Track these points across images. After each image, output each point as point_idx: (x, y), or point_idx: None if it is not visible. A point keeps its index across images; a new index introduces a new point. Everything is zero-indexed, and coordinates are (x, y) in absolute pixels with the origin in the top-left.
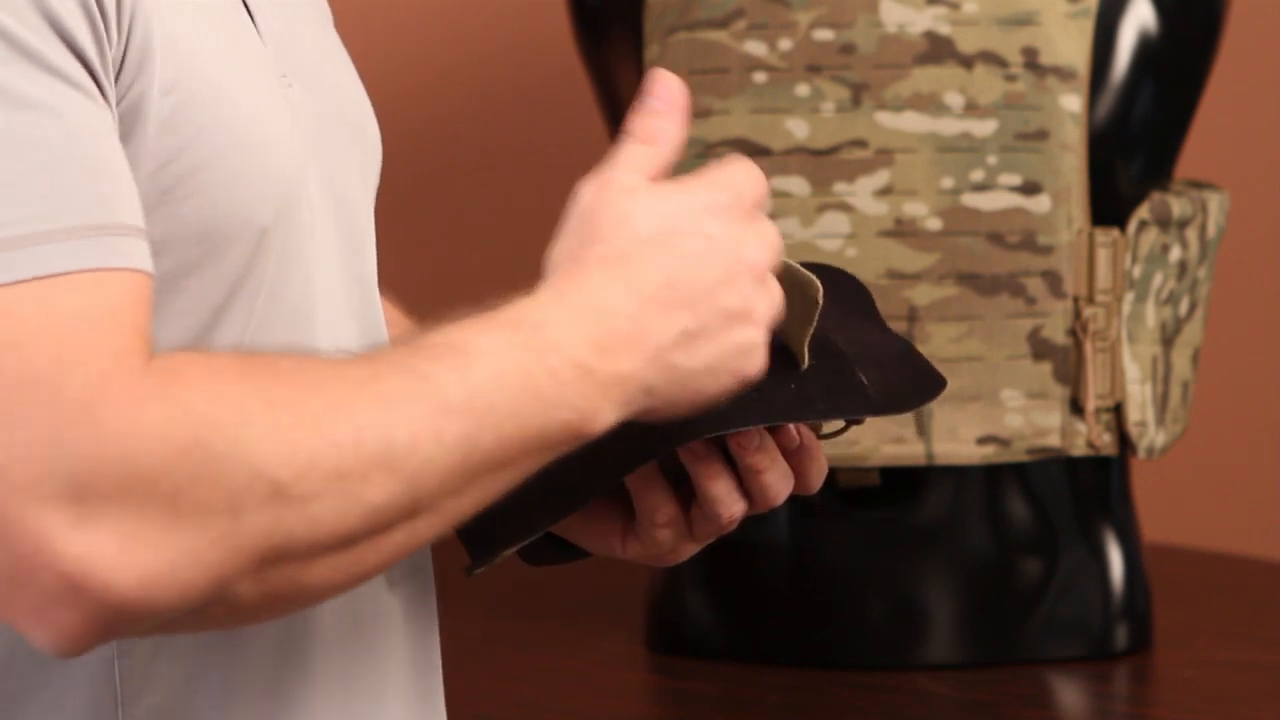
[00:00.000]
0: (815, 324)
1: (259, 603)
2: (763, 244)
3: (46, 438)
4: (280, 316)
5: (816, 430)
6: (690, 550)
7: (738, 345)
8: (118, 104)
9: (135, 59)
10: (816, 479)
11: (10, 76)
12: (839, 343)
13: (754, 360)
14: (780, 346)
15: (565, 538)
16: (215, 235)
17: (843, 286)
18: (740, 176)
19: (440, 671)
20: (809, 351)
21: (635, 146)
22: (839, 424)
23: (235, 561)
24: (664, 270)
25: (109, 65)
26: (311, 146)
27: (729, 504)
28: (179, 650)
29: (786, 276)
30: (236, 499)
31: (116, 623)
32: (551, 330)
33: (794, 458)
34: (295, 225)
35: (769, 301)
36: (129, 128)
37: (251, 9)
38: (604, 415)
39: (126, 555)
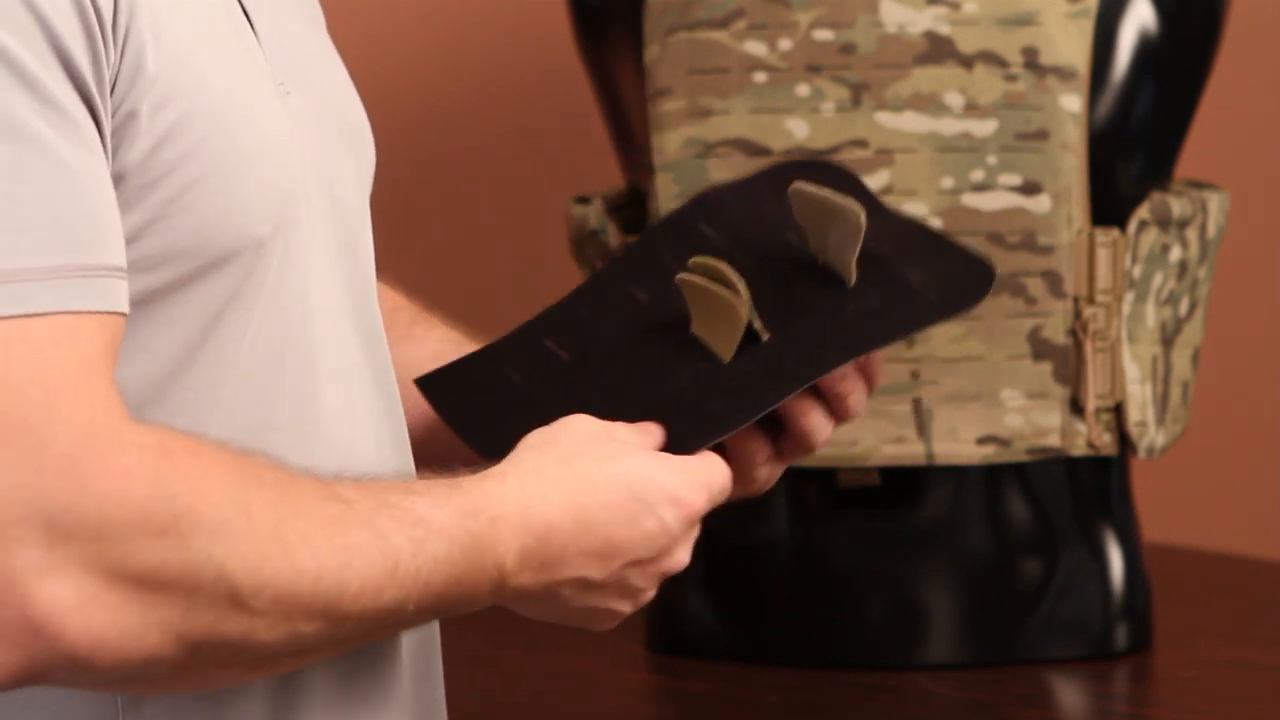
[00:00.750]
0: (860, 244)
1: (167, 684)
2: (688, 552)
3: (31, 484)
4: (279, 322)
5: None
6: (779, 471)
7: (612, 611)
8: (112, 116)
9: (129, 72)
10: (878, 379)
11: (10, 104)
12: (881, 249)
13: (607, 625)
14: (805, 257)
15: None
16: (214, 247)
17: (831, 176)
18: (718, 480)
19: (442, 683)
20: (856, 269)
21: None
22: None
23: (173, 646)
24: (613, 529)
25: (105, 84)
26: (310, 153)
27: (823, 430)
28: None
29: (818, 208)
30: (194, 592)
31: (50, 671)
32: (499, 530)
33: (850, 387)
34: (294, 234)
35: (651, 595)
36: (124, 140)
37: (250, 14)
38: (484, 605)
39: (84, 615)
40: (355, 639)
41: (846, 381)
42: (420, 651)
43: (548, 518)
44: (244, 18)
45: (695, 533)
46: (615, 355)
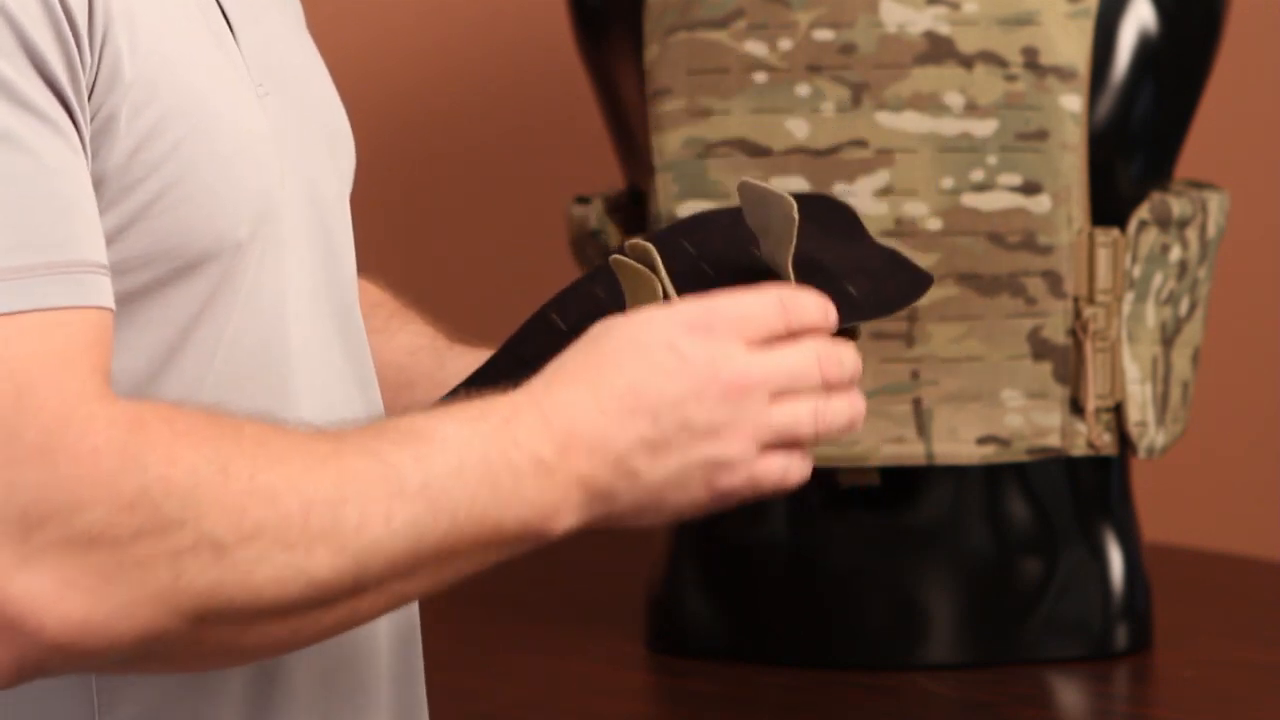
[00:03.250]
0: (795, 241)
1: (192, 657)
2: (746, 366)
3: (4, 479)
4: (258, 323)
5: None
6: None
7: (707, 459)
8: (91, 120)
9: (107, 76)
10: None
11: None
12: (825, 259)
13: (732, 475)
14: (766, 269)
15: None
16: (192, 249)
17: (828, 211)
18: (750, 304)
19: (423, 682)
20: (794, 272)
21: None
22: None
23: (169, 619)
24: (626, 377)
25: (82, 88)
26: (289, 156)
27: None
28: None
29: (760, 199)
30: (179, 559)
31: (44, 664)
32: (516, 426)
33: None
34: (272, 237)
35: (753, 422)
36: (103, 143)
37: (229, 16)
38: (564, 517)
39: (63, 601)
40: (393, 576)
41: None
42: (401, 652)
43: (562, 399)
44: (222, 20)
45: (744, 351)
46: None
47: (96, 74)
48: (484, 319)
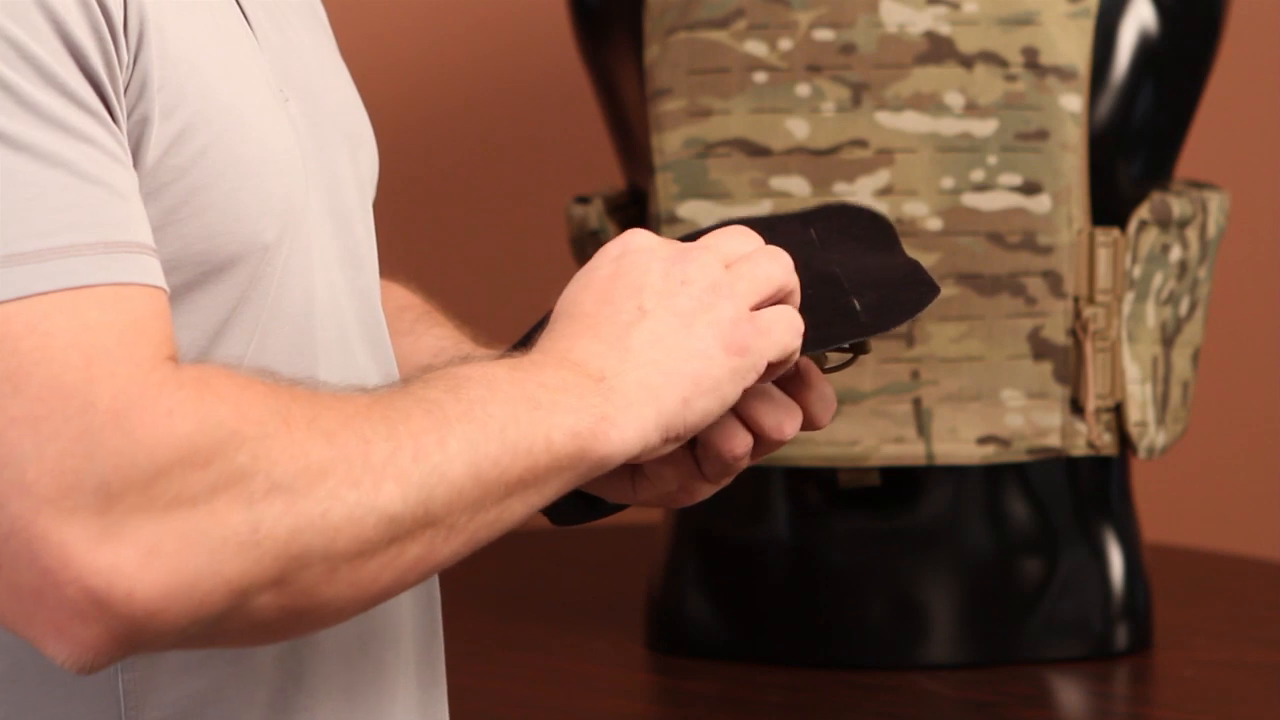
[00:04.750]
0: (815, 251)
1: (277, 617)
2: (710, 269)
3: (79, 449)
4: (283, 331)
5: (820, 363)
6: (706, 490)
7: (708, 322)
8: (128, 118)
9: (140, 79)
10: (822, 413)
11: (34, 95)
12: (840, 272)
13: (735, 327)
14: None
15: (586, 491)
16: (219, 253)
17: (859, 221)
18: (724, 237)
19: (444, 683)
20: (808, 282)
21: None
22: (845, 356)
23: (254, 573)
24: (606, 274)
25: (120, 88)
26: (311, 162)
27: (729, 441)
28: (182, 664)
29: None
30: (254, 509)
31: (137, 637)
32: (530, 360)
33: (794, 391)
34: (298, 242)
35: (730, 289)
36: (136, 146)
37: (250, 20)
38: (616, 425)
39: (149, 569)
40: (461, 509)
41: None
42: (425, 655)
43: (556, 344)
44: (245, 25)
45: (720, 264)
46: None
47: (130, 76)
48: (484, 319)
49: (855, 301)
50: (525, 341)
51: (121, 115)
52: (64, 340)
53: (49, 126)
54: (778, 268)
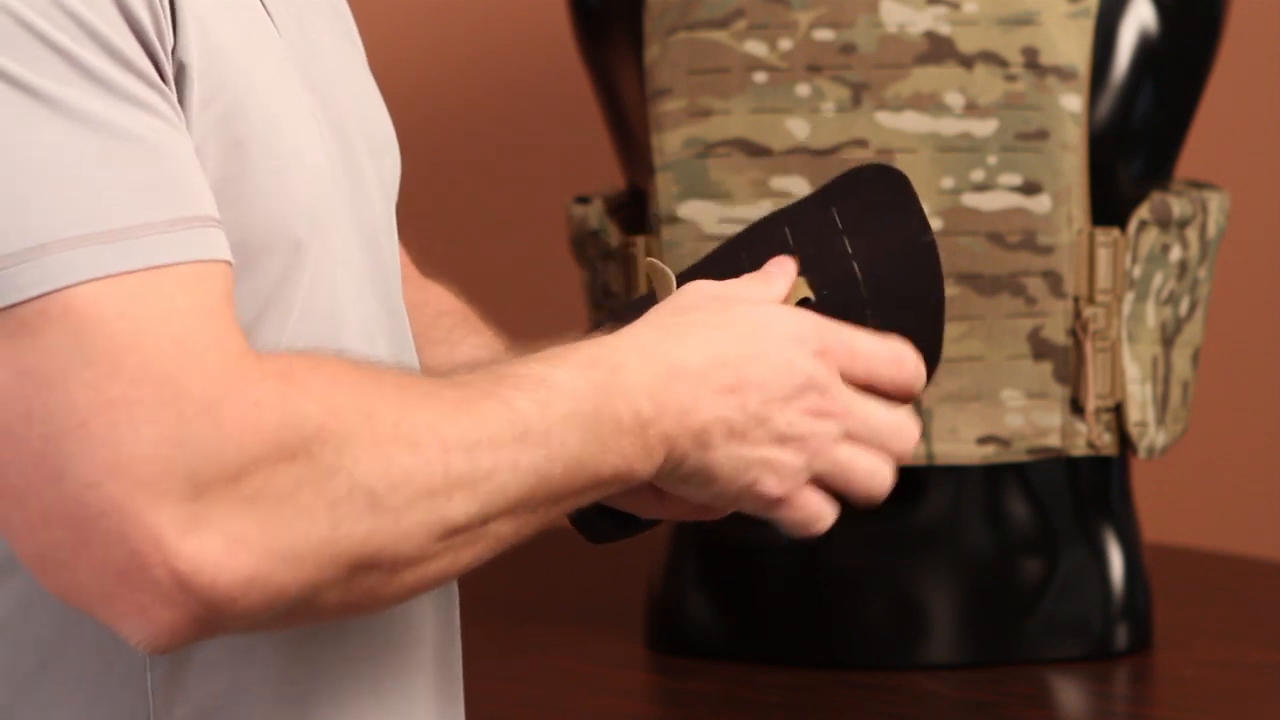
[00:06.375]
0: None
1: (338, 609)
2: (840, 397)
3: (173, 436)
4: (310, 333)
5: None
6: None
7: (765, 460)
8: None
9: (179, 65)
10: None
11: (105, 70)
12: (858, 270)
13: (779, 484)
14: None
15: (617, 507)
16: (251, 246)
17: (876, 187)
18: (873, 346)
19: (461, 685)
20: (825, 289)
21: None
22: None
23: (330, 569)
24: (738, 354)
25: (170, 69)
26: (337, 164)
27: None
28: (209, 662)
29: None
30: (336, 509)
31: (214, 622)
32: (625, 376)
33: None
34: (326, 242)
35: (820, 447)
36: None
37: (276, 23)
38: (645, 468)
39: (232, 557)
40: (506, 520)
41: None
42: (444, 655)
43: (671, 357)
44: (272, 27)
45: (843, 384)
46: None
47: (176, 59)
48: (485, 319)
49: (868, 311)
50: (639, 306)
51: (172, 92)
52: (153, 324)
53: (120, 101)
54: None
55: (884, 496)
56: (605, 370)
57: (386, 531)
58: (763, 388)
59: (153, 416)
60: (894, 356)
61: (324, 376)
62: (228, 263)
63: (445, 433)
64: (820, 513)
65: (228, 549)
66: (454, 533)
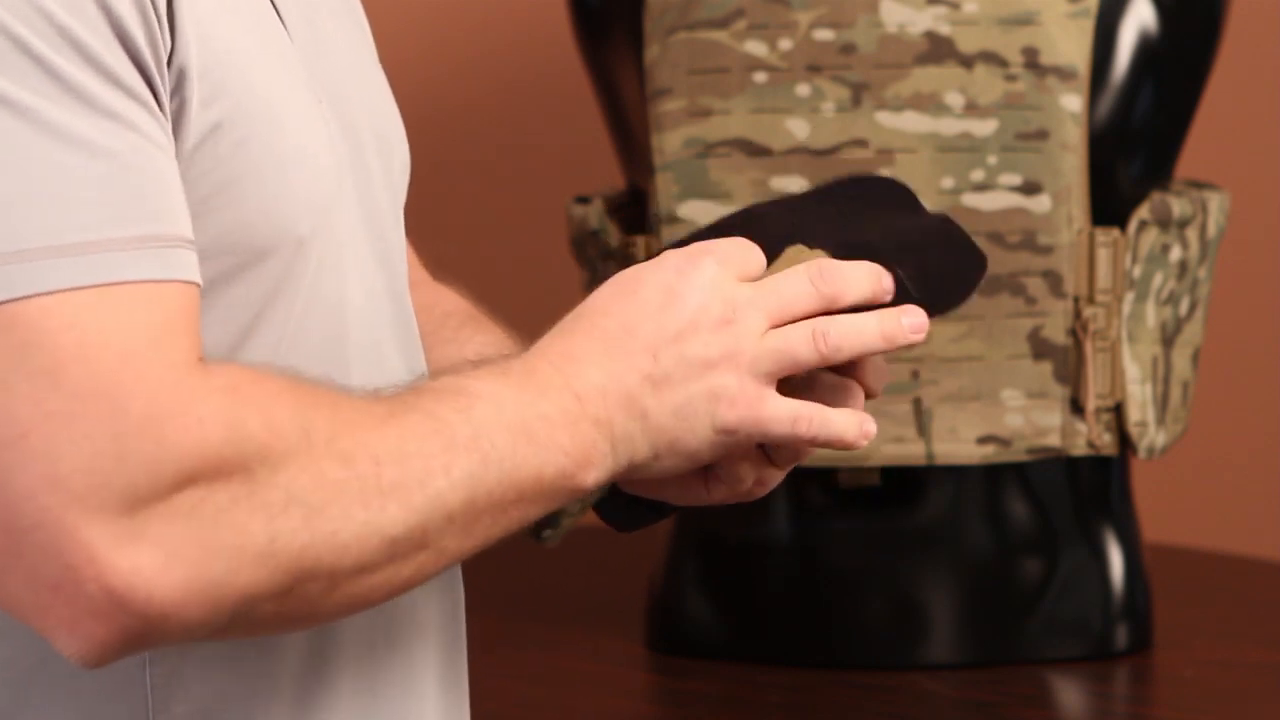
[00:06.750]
0: (850, 221)
1: (275, 621)
2: (735, 293)
3: (111, 450)
4: (316, 329)
5: None
6: (776, 477)
7: (708, 391)
8: (170, 102)
9: (179, 66)
10: (875, 383)
11: (84, 83)
12: (875, 240)
13: (731, 408)
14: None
15: (652, 496)
16: (254, 244)
17: (875, 188)
18: (730, 247)
19: (466, 683)
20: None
21: None
22: None
23: (266, 582)
24: (621, 318)
25: (164, 72)
26: (344, 161)
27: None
28: (208, 659)
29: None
30: (273, 523)
31: (147, 637)
32: (537, 379)
33: (846, 369)
34: (331, 239)
35: (748, 350)
36: (178, 131)
37: (285, 20)
38: (594, 466)
39: (168, 573)
40: (451, 533)
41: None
42: (448, 654)
43: (565, 349)
44: (279, 23)
45: (734, 282)
46: None
47: (170, 61)
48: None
49: (898, 271)
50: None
51: (165, 100)
52: (100, 339)
53: (97, 115)
54: (798, 340)
55: (854, 347)
56: (517, 377)
57: (323, 544)
58: (660, 328)
59: (92, 430)
60: (848, 267)
61: (267, 393)
62: (191, 283)
63: (375, 447)
64: (797, 415)
65: (163, 564)
66: (392, 544)
